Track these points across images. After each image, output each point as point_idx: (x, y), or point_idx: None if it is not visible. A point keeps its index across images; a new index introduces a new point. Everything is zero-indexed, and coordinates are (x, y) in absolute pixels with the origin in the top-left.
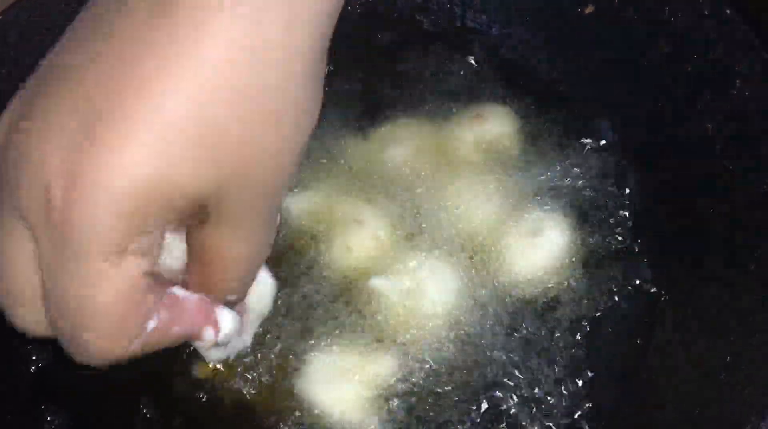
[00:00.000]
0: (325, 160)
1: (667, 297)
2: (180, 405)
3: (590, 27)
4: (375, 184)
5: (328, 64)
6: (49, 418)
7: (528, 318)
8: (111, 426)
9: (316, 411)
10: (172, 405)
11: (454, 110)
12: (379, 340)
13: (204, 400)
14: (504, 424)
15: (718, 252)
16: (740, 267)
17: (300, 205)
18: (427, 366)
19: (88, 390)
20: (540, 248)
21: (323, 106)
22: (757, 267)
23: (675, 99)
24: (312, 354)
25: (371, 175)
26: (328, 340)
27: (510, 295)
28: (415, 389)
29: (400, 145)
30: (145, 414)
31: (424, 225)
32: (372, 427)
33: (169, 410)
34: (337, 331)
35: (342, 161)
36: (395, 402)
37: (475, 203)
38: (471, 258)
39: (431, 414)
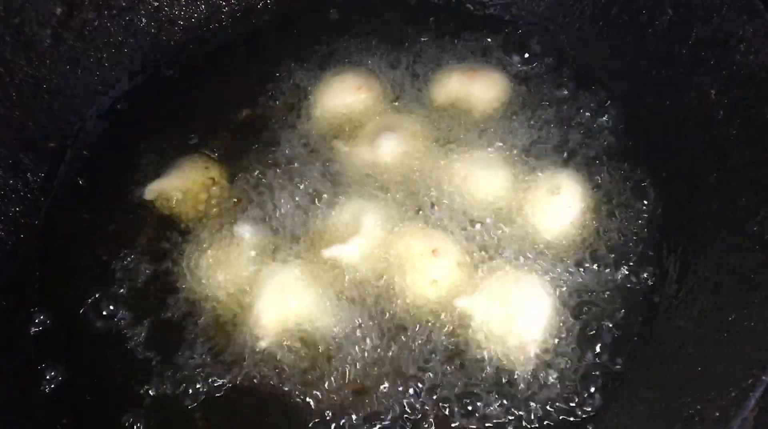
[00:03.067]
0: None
1: (671, 259)
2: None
3: None
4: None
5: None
6: (48, 376)
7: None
8: (105, 382)
9: None
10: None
11: (447, 72)
12: None
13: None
14: None
15: (721, 214)
16: (742, 229)
17: None
18: None
19: (84, 350)
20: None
21: None
22: (759, 229)
23: (678, 65)
24: None
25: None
26: None
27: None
28: None
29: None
30: (138, 370)
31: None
32: None
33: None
34: None
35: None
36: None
37: (489, 172)
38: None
39: None
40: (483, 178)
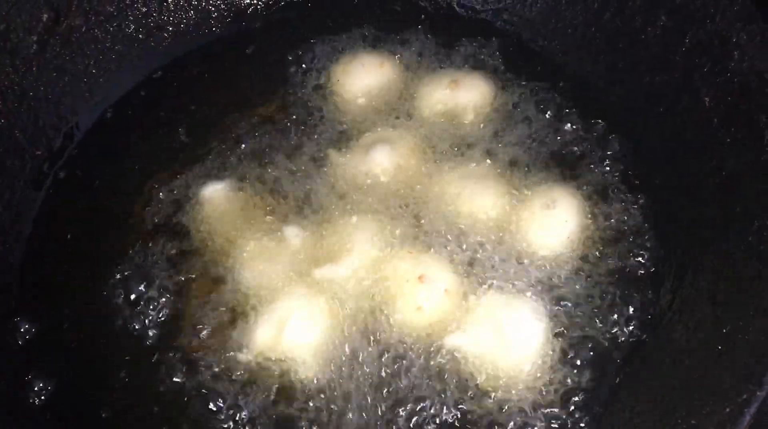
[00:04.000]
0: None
1: (667, 268)
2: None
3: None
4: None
5: None
6: (36, 388)
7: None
8: (94, 394)
9: None
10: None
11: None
12: None
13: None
14: None
15: (717, 224)
16: (737, 238)
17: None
18: None
19: (73, 361)
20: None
21: None
22: (755, 239)
23: (672, 71)
24: None
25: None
26: None
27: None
28: None
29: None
30: (126, 382)
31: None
32: None
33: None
34: None
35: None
36: None
37: (481, 188)
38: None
39: None
40: (475, 195)
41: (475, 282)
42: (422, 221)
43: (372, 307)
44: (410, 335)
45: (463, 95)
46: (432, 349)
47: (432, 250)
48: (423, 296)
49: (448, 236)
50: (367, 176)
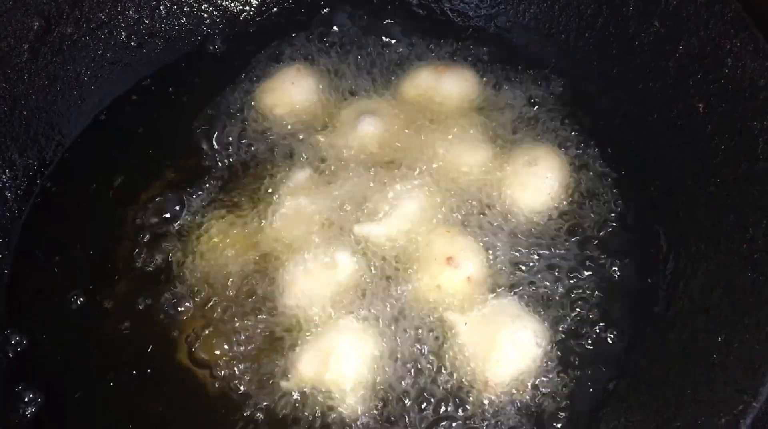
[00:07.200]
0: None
1: (660, 275)
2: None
3: (582, 6)
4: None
5: None
6: (25, 399)
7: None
8: (83, 406)
9: None
10: (143, 386)
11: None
12: None
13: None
14: None
15: (709, 232)
16: (730, 247)
17: None
18: None
19: (62, 373)
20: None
21: None
22: (748, 247)
23: (666, 78)
24: None
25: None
26: None
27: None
28: None
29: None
30: (116, 395)
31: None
32: None
33: (141, 391)
34: None
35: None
36: None
37: (469, 151)
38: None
39: None
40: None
41: (495, 276)
42: (468, 203)
43: (397, 271)
44: (418, 306)
45: (447, 80)
46: (435, 325)
47: (467, 233)
48: (445, 277)
49: (488, 222)
50: (365, 145)
